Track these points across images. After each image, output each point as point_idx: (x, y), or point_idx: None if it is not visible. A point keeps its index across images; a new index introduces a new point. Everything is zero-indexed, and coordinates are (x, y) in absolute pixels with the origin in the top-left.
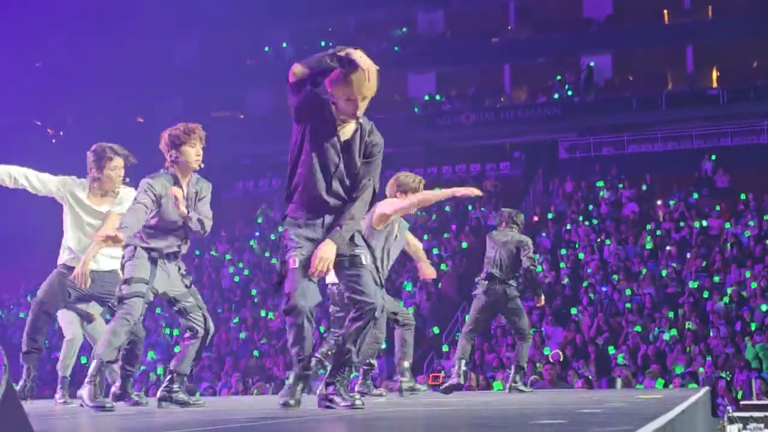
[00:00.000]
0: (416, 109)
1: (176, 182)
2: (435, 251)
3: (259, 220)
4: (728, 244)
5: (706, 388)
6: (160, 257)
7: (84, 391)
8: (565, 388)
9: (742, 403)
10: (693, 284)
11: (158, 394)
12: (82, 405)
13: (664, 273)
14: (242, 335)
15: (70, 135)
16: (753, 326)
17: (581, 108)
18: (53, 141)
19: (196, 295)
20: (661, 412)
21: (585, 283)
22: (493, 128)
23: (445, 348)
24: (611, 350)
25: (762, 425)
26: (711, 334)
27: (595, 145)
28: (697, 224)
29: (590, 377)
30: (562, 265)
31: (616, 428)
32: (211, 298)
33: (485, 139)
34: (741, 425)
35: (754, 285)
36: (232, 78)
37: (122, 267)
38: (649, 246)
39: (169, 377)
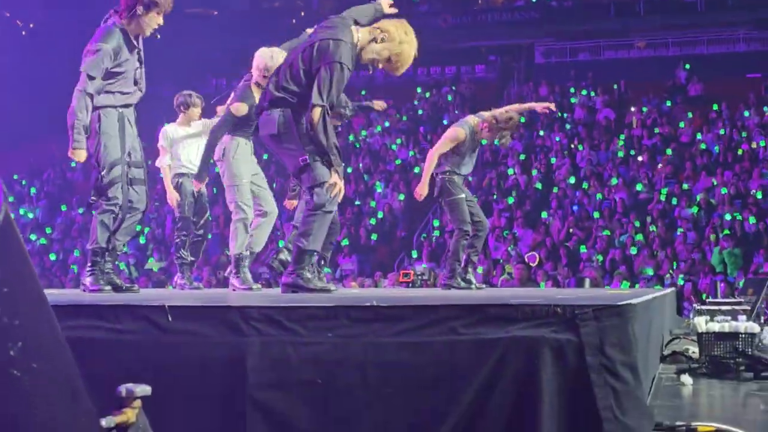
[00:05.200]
0: None
1: (126, 38)
2: (411, 154)
3: None
4: (699, 152)
5: (673, 289)
6: None
7: None
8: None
9: (708, 301)
10: (663, 191)
11: None
12: None
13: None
14: (208, 236)
15: (41, 27)
16: (723, 233)
17: (559, 13)
18: (23, 33)
19: None
20: (632, 297)
21: (555, 190)
22: (469, 31)
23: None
24: (583, 249)
25: (729, 317)
26: (678, 239)
27: (571, 50)
28: (668, 131)
29: (559, 277)
30: (534, 172)
31: (589, 302)
32: None
33: (461, 42)
34: (708, 317)
35: (724, 190)
36: None
37: None
38: (620, 153)
39: None
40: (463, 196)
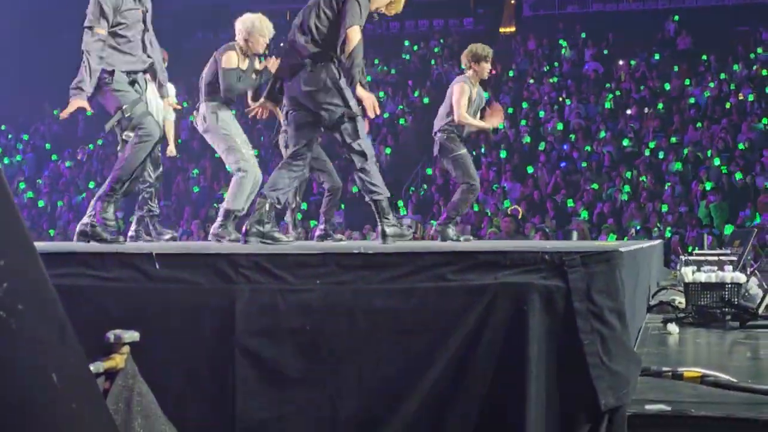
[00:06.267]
0: None
1: None
2: (400, 108)
3: None
4: (687, 106)
5: (660, 241)
6: None
7: None
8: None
9: (695, 252)
10: (651, 144)
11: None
12: None
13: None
14: (196, 189)
15: None
16: (708, 186)
17: None
18: None
19: None
20: (620, 247)
21: (542, 145)
22: None
23: (400, 203)
24: (570, 203)
25: (715, 267)
26: (666, 192)
27: (559, 2)
28: (657, 85)
29: (547, 230)
30: (522, 123)
31: (574, 249)
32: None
33: None
34: (695, 267)
35: (711, 144)
36: None
37: None
38: (609, 105)
39: None
40: (465, 151)
